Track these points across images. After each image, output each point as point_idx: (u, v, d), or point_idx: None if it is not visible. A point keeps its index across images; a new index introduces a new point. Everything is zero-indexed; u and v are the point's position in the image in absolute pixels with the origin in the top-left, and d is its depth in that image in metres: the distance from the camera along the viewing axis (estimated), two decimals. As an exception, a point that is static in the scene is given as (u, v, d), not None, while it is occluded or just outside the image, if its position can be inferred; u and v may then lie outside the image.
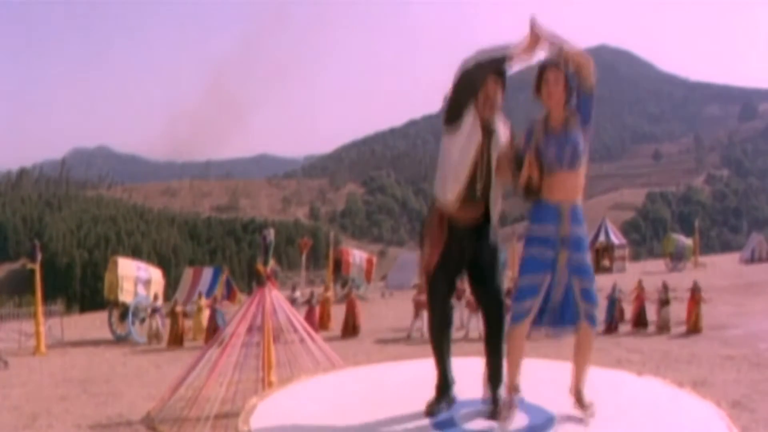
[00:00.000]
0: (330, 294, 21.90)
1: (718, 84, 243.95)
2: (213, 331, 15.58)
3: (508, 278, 27.71)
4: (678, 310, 16.92)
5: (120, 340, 19.40)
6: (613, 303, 17.13)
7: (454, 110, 3.40)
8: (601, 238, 40.04)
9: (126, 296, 20.19)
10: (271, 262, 10.09)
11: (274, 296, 10.10)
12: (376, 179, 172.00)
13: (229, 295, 24.81)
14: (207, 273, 27.00)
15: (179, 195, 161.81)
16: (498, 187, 3.47)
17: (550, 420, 3.25)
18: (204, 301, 19.80)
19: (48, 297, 21.48)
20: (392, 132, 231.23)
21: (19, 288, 67.31)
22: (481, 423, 3.25)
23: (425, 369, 3.63)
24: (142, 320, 19.80)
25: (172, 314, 18.17)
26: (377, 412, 3.42)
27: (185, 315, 19.18)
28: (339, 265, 31.39)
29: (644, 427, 3.21)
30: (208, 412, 8.57)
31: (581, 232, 3.30)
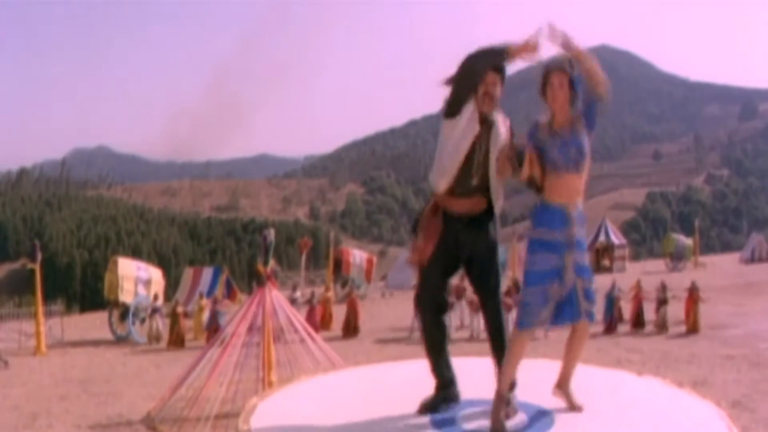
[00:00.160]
0: (331, 294, 21.91)
1: (718, 84, 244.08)
2: (214, 331, 15.58)
3: (508, 278, 27.79)
4: (676, 310, 16.93)
5: (120, 340, 19.41)
6: (612, 302, 17.13)
7: (454, 103, 3.43)
8: (601, 238, 40.07)
9: (126, 296, 20.19)
10: (271, 262, 10.10)
11: (274, 296, 10.11)
12: (376, 179, 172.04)
13: (230, 295, 24.82)
14: (207, 273, 27.02)
15: (179, 195, 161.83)
16: (498, 182, 3.45)
17: (549, 420, 3.25)
18: (205, 301, 19.81)
19: (48, 297, 21.44)
20: (392, 132, 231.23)
21: (19, 288, 67.36)
22: (481, 423, 3.25)
23: (425, 369, 3.62)
24: (142, 320, 19.80)
25: (174, 315, 18.16)
26: (377, 412, 3.42)
27: (186, 315, 19.19)
28: (339, 265, 31.39)
29: (644, 427, 3.20)
30: (209, 412, 8.58)
31: (584, 233, 3.34)
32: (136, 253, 72.82)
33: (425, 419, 3.33)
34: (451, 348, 3.72)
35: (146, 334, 18.94)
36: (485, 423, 3.22)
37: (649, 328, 16.89)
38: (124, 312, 19.82)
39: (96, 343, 19.42)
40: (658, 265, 41.57)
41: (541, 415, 3.29)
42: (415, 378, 3.78)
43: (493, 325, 3.54)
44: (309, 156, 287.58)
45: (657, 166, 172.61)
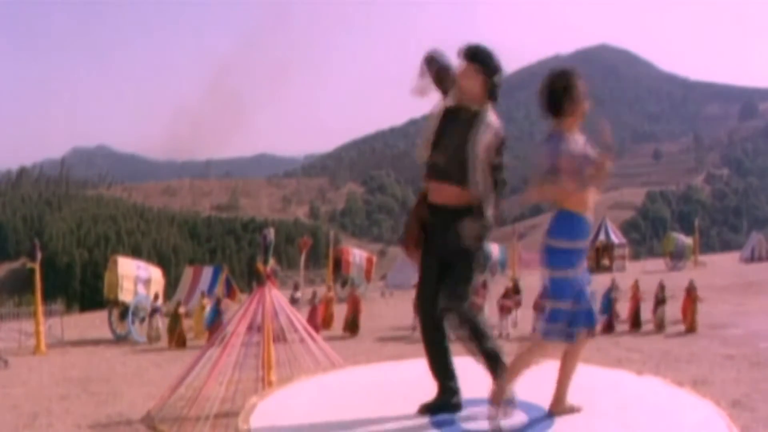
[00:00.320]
0: (332, 294, 21.90)
1: (718, 83, 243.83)
2: (216, 328, 15.57)
3: (508, 277, 27.77)
4: (674, 309, 16.93)
5: (120, 340, 19.42)
6: (610, 301, 17.15)
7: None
8: (601, 237, 40.05)
9: (126, 295, 20.20)
10: (271, 262, 10.11)
11: (274, 295, 10.11)
12: (376, 178, 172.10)
13: (229, 294, 24.84)
14: (207, 272, 27.06)
15: (179, 194, 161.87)
16: (480, 176, 3.24)
17: (549, 420, 3.25)
18: (206, 301, 19.81)
19: (48, 296, 21.50)
20: (392, 131, 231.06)
21: (19, 287, 67.44)
22: (481, 423, 3.25)
23: (425, 369, 3.62)
24: (142, 319, 19.81)
25: (175, 315, 18.13)
26: (377, 412, 3.42)
27: (186, 315, 19.19)
28: (339, 265, 31.40)
29: (644, 426, 3.20)
30: (208, 411, 8.58)
31: None
32: (135, 253, 72.88)
33: (425, 419, 3.33)
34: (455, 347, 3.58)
35: (146, 334, 18.95)
36: (485, 423, 3.22)
37: (648, 327, 16.90)
38: (124, 311, 19.83)
39: (96, 342, 19.43)
40: (658, 264, 41.57)
41: (541, 415, 3.29)
42: (415, 378, 3.78)
43: (473, 337, 3.32)
44: (309, 155, 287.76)
45: (657, 166, 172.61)
